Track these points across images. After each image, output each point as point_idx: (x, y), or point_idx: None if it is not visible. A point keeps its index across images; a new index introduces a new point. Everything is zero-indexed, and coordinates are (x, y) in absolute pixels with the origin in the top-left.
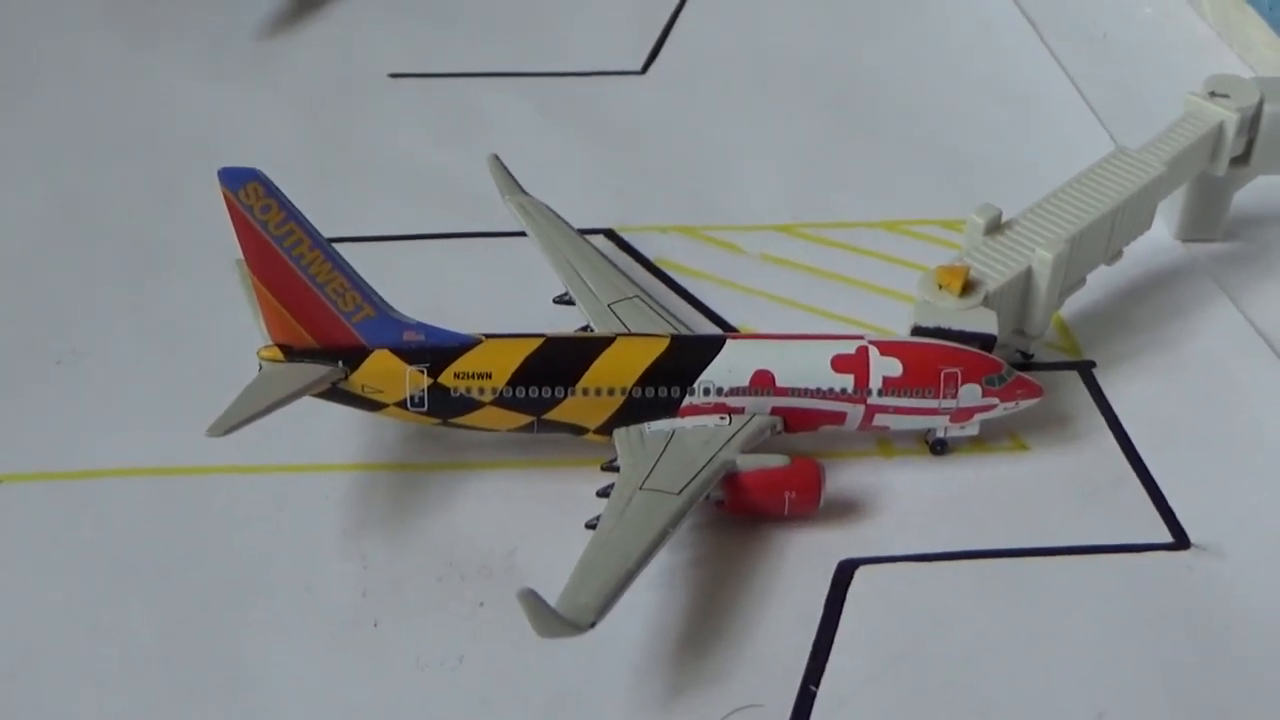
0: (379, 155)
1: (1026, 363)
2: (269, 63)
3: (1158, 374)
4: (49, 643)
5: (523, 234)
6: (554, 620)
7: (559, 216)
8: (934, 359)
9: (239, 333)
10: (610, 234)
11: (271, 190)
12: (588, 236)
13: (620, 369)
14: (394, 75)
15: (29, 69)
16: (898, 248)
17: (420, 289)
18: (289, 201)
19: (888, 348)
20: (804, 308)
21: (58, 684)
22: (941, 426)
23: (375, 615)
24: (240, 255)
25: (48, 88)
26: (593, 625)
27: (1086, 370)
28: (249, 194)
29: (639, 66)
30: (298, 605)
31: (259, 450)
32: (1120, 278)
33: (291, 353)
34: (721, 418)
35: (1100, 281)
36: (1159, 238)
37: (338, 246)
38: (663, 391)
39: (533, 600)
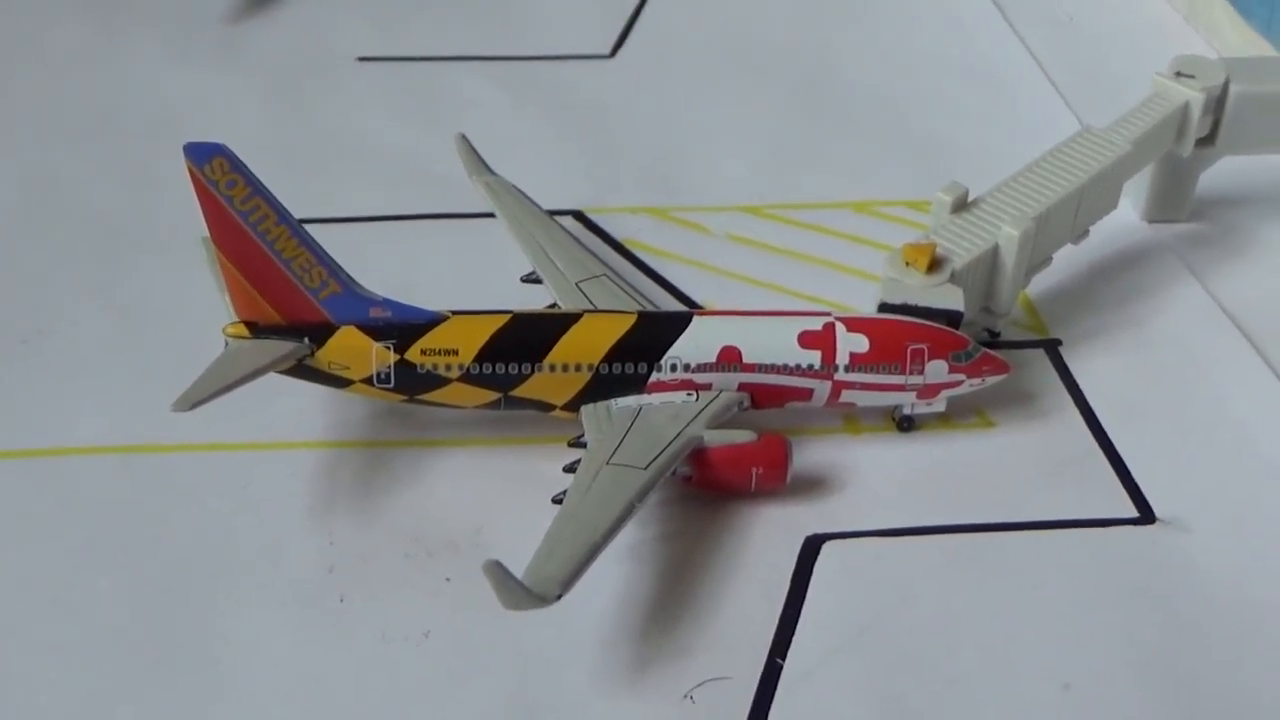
0: (348, 138)
1: (993, 341)
2: (237, 46)
3: (1124, 352)
4: (16, 619)
5: (490, 215)
6: (519, 592)
7: (526, 196)
8: (901, 335)
9: (205, 311)
10: (579, 215)
11: (237, 165)
12: (556, 218)
13: (587, 345)
14: (362, 59)
15: None
16: (865, 228)
17: (389, 270)
18: (255, 177)
19: (854, 324)
20: (771, 287)
21: (25, 659)
22: (908, 403)
23: (342, 591)
24: (206, 232)
25: (15, 70)
26: (558, 598)
27: (1053, 348)
28: (215, 169)
29: (608, 50)
30: (264, 581)
31: (226, 427)
32: (1087, 257)
33: (257, 329)
34: (689, 394)
35: (1067, 261)
36: (1126, 218)
37: (307, 229)
38: (630, 367)
39: (498, 572)
